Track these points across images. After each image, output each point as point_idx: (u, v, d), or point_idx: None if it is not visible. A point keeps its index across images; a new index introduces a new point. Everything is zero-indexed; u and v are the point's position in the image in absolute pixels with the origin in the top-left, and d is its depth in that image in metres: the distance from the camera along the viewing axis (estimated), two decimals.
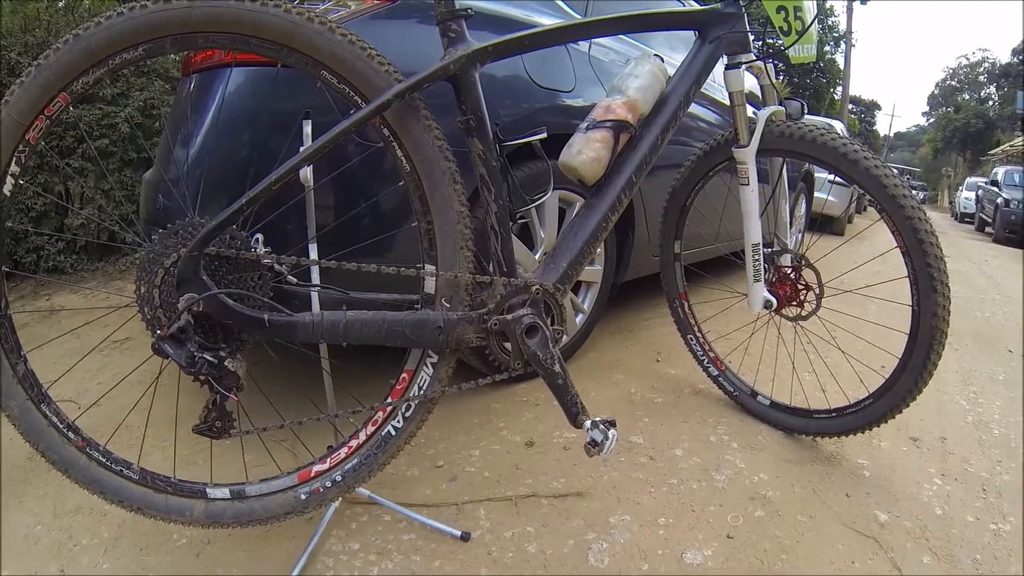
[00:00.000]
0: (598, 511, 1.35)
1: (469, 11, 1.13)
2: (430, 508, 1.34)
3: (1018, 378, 2.48)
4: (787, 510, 1.40)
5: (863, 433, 1.58)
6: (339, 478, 1.16)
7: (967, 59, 44.12)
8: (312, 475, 1.17)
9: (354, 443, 1.18)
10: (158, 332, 0.99)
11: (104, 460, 1.11)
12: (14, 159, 0.98)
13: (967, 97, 41.97)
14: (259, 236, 1.12)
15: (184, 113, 1.65)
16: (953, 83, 44.19)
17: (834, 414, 1.62)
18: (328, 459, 1.18)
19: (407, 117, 1.07)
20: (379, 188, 1.49)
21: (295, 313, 1.07)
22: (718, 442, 1.67)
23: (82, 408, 1.28)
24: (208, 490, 1.14)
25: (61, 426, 1.09)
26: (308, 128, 1.23)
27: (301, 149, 1.09)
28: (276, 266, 1.09)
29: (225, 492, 1.14)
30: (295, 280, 1.14)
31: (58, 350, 1.33)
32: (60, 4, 4.18)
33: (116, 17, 0.96)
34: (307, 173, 1.20)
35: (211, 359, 1.00)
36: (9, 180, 0.99)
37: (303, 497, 1.15)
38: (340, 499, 1.24)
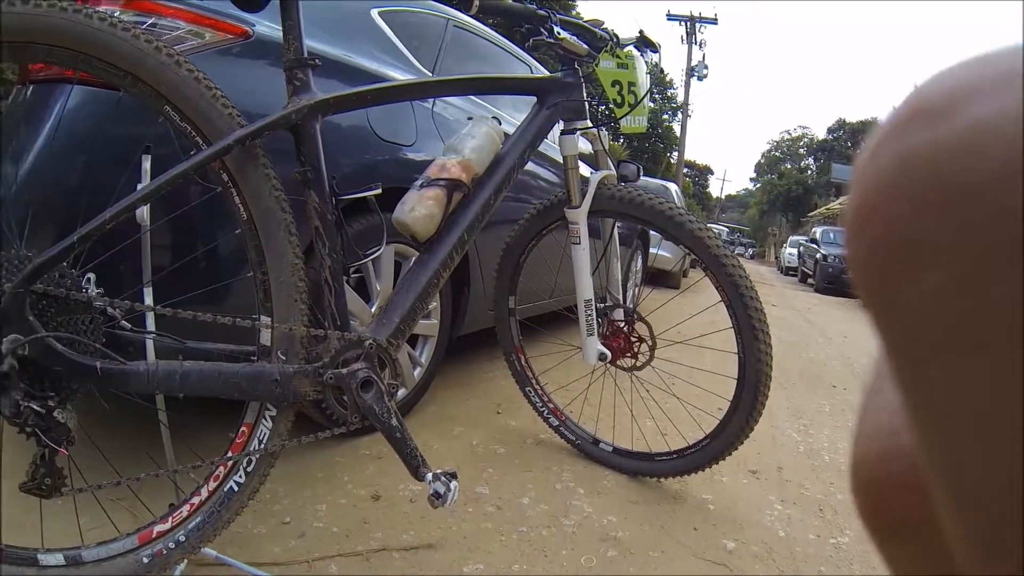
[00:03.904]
0: (451, 562, 1.35)
1: (316, 61, 1.16)
2: (280, 566, 1.29)
3: (841, 409, 2.85)
4: (638, 548, 1.46)
5: (704, 470, 1.71)
6: (183, 538, 1.09)
7: (789, 133, 49.48)
8: (154, 536, 1.09)
9: (196, 500, 1.13)
10: None
11: None
12: None
13: (789, 166, 47.00)
14: (91, 276, 1.05)
15: (15, 125, 1.52)
16: (777, 153, 49.34)
17: (675, 455, 1.73)
18: (170, 518, 1.11)
19: (246, 164, 1.06)
20: (218, 233, 1.45)
21: (129, 361, 1.02)
22: (564, 489, 1.72)
23: None
24: (39, 556, 1.03)
25: None
26: (147, 164, 1.18)
27: (139, 187, 1.05)
28: (109, 309, 1.03)
29: (59, 558, 1.04)
30: (129, 326, 1.09)
31: None
32: None
33: None
34: (144, 212, 1.15)
35: (38, 409, 0.93)
36: None
37: (145, 560, 1.07)
38: (185, 561, 1.15)
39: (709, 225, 1.65)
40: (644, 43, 1.76)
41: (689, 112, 25.78)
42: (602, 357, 1.72)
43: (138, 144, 1.20)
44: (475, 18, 1.63)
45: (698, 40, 24.89)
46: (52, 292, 0.96)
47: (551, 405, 1.98)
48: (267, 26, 1.53)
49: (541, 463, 1.87)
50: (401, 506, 1.55)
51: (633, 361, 1.78)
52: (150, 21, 1.40)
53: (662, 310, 2.14)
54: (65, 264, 0.97)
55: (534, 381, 1.99)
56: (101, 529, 1.23)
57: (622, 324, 1.77)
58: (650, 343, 1.74)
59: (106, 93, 1.37)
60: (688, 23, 24.75)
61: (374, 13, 2.05)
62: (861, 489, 0.17)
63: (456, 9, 2.42)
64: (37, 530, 1.12)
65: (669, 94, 27.78)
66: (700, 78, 24.40)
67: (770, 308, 1.64)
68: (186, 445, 1.41)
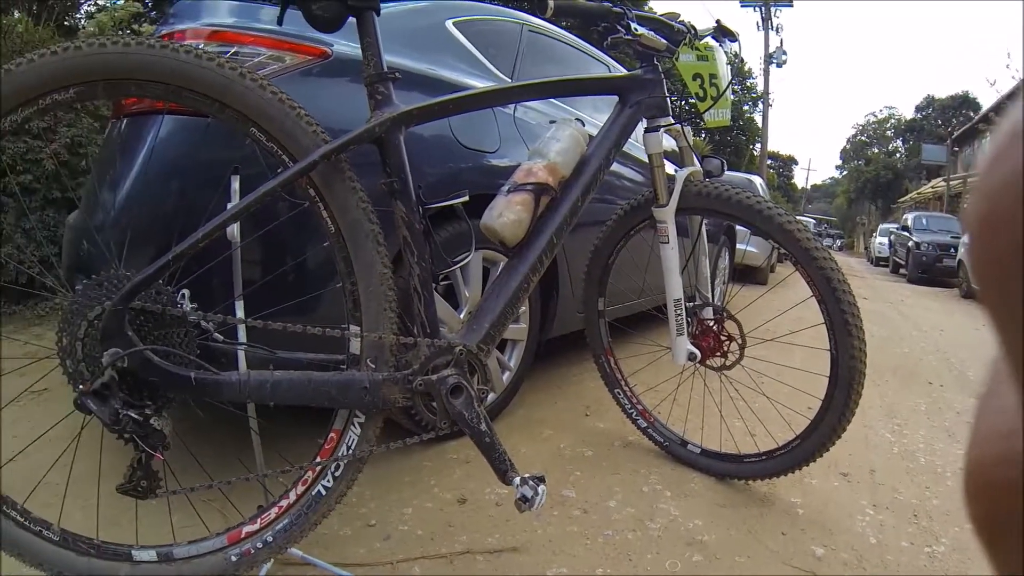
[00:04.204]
0: (535, 565, 1.35)
1: (396, 74, 1.17)
2: (364, 567, 1.31)
3: (938, 407, 2.65)
4: (724, 553, 1.42)
5: (794, 473, 1.65)
6: (270, 538, 1.14)
7: (875, 116, 46.81)
8: (242, 536, 1.14)
9: (284, 503, 1.16)
10: (80, 387, 0.97)
11: (22, 520, 1.05)
12: None
13: (876, 151, 44.51)
14: (186, 292, 1.10)
15: (113, 156, 1.62)
16: (863, 138, 46.80)
17: (764, 457, 1.68)
18: (259, 519, 1.15)
19: (332, 178, 1.09)
20: (306, 246, 1.49)
21: (221, 372, 1.06)
22: (651, 492, 1.70)
23: None
24: (134, 552, 1.09)
25: None
26: (236, 184, 1.23)
27: (228, 206, 1.09)
28: (202, 323, 1.08)
29: (152, 554, 1.10)
30: (221, 338, 1.13)
31: None
32: None
33: (49, 56, 0.95)
34: (234, 230, 1.20)
35: (136, 417, 0.98)
36: None
37: (233, 559, 1.12)
38: (272, 560, 1.20)
39: (797, 217, 1.58)
40: (722, 32, 1.70)
41: (770, 101, 24.78)
42: (692, 357, 1.68)
43: (227, 166, 1.25)
44: (550, 21, 1.61)
45: (774, 25, 23.86)
46: (149, 308, 1.02)
47: (640, 407, 1.95)
48: (345, 44, 1.56)
49: (628, 465, 1.85)
50: (487, 509, 1.56)
51: (723, 360, 1.73)
52: (233, 50, 1.47)
53: (751, 307, 2.06)
54: (161, 281, 1.03)
55: (623, 383, 1.97)
56: (192, 528, 1.29)
57: (711, 323, 1.72)
58: (740, 341, 1.69)
59: (195, 120, 1.44)
60: (763, 8, 23.81)
61: (449, 24, 2.07)
62: (976, 493, 0.16)
63: (530, 13, 2.42)
64: (132, 527, 1.18)
65: (749, 84, 26.87)
66: (779, 65, 23.39)
67: (861, 301, 1.55)
68: (275, 450, 1.46)
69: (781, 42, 26.09)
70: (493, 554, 1.38)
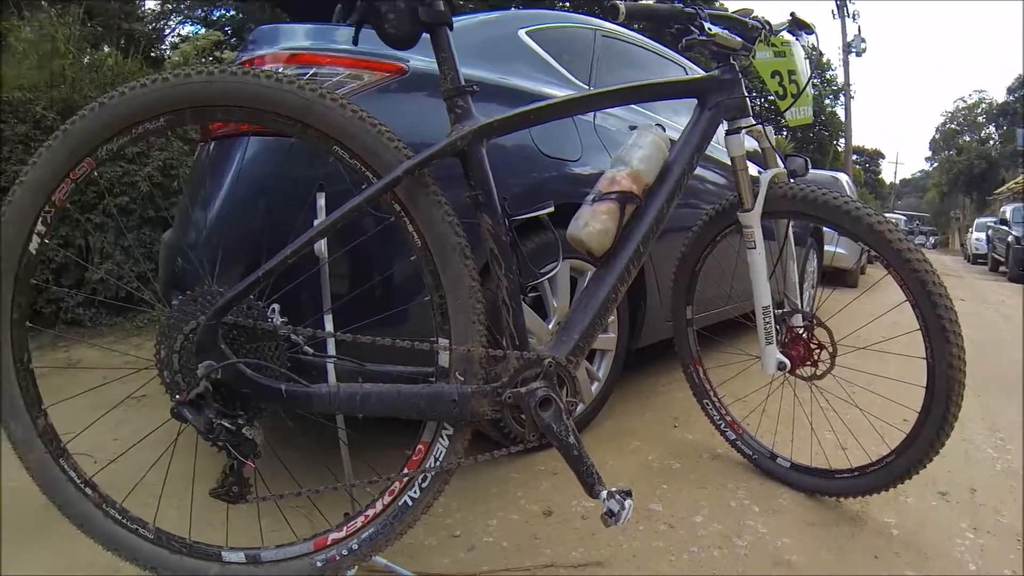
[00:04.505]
0: None
1: (474, 87, 1.17)
2: None
3: None
4: (813, 574, 1.36)
5: (888, 490, 1.55)
6: (355, 546, 1.16)
7: (964, 101, 44.12)
8: (328, 543, 1.16)
9: (371, 512, 1.18)
10: (177, 396, 1.02)
11: (120, 518, 1.12)
12: (40, 219, 1.03)
13: (968, 139, 42.04)
14: (276, 306, 1.13)
15: (202, 177, 1.70)
16: (953, 126, 44.34)
17: (856, 473, 1.59)
18: (345, 527, 1.18)
19: (417, 193, 1.10)
20: (393, 261, 1.52)
21: (312, 384, 1.09)
22: (739, 507, 1.64)
23: (99, 463, 1.29)
24: (223, 553, 1.14)
25: (78, 481, 1.11)
26: (322, 201, 1.26)
27: (315, 223, 1.12)
28: (293, 336, 1.11)
29: (240, 556, 1.14)
30: (311, 351, 1.16)
31: (75, 402, 1.35)
32: (85, 61, 4.35)
33: (139, 88, 1.01)
34: (322, 246, 1.23)
35: (229, 426, 1.02)
36: (35, 239, 1.03)
37: (319, 564, 1.14)
38: (356, 567, 1.22)
39: (887, 216, 1.49)
40: (798, 26, 1.63)
41: (852, 93, 23.76)
42: (781, 366, 1.61)
43: (312, 183, 1.29)
44: (623, 24, 1.59)
45: (850, 12, 22.75)
46: (241, 323, 1.06)
47: (728, 418, 1.90)
48: (420, 59, 1.59)
49: (716, 479, 1.80)
50: (573, 522, 1.54)
51: (813, 370, 1.65)
52: (312, 71, 1.51)
53: (841, 312, 1.97)
54: (252, 297, 1.06)
55: (712, 393, 1.93)
56: (280, 532, 1.33)
57: (801, 330, 1.66)
58: (831, 350, 1.62)
59: (279, 141, 1.50)
60: None
61: (522, 34, 2.08)
62: None
63: (602, 19, 2.40)
64: (223, 529, 1.23)
65: (828, 76, 25.86)
66: (858, 54, 22.27)
67: (958, 303, 1.45)
68: (363, 460, 1.48)
69: (859, 29, 24.75)
70: (577, 568, 1.37)
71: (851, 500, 1.66)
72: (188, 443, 1.17)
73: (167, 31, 12.90)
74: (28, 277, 1.05)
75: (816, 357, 1.64)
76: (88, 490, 1.11)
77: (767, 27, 1.57)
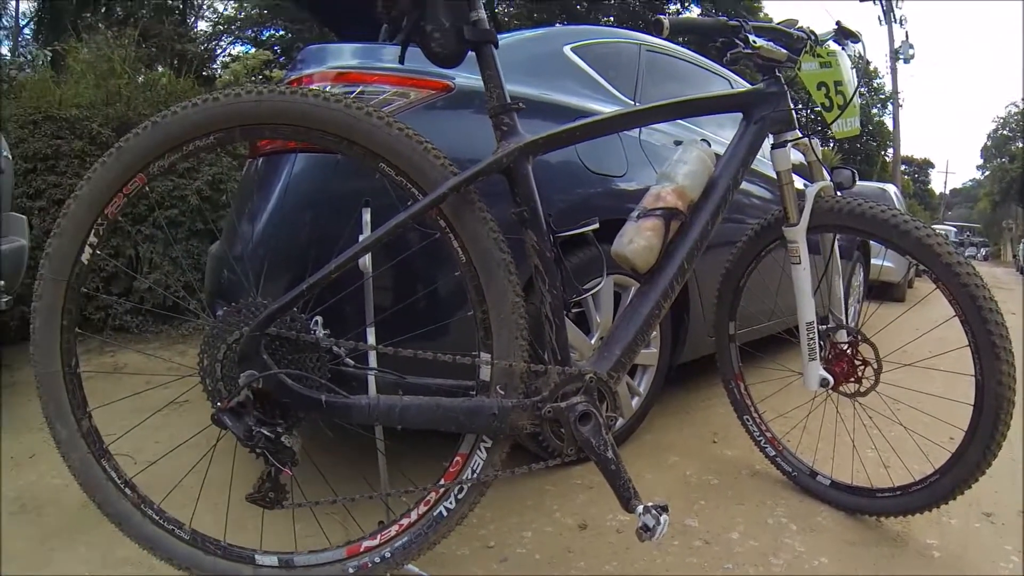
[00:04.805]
0: None
1: (520, 104, 1.19)
2: None
3: None
4: None
5: (931, 511, 1.50)
6: (388, 554, 1.17)
7: (1017, 106, 42.16)
8: (361, 550, 1.18)
9: (405, 521, 1.20)
10: (218, 404, 1.05)
11: (157, 518, 1.16)
12: (93, 231, 1.07)
13: (1021, 144, 40.51)
14: (318, 319, 1.16)
15: (250, 192, 1.74)
16: (1005, 132, 42.56)
17: (899, 492, 1.55)
18: (379, 535, 1.19)
19: (462, 209, 1.11)
20: (436, 276, 1.54)
21: (351, 395, 1.11)
22: (776, 524, 1.62)
23: (139, 465, 1.33)
24: (257, 556, 1.17)
25: (119, 481, 1.14)
26: (367, 216, 1.29)
27: (360, 238, 1.14)
28: (334, 349, 1.13)
29: (273, 560, 1.17)
30: (352, 363, 1.18)
31: (119, 406, 1.40)
32: (140, 80, 4.52)
33: (191, 108, 1.05)
34: (366, 261, 1.25)
35: (268, 434, 1.05)
36: (87, 250, 1.07)
37: (351, 571, 1.16)
38: (388, 575, 1.24)
39: (937, 229, 1.46)
40: (844, 35, 1.60)
41: (900, 101, 23.06)
42: (824, 383, 1.59)
43: (358, 199, 1.31)
44: (667, 39, 1.59)
45: (897, 17, 22.21)
46: (284, 334, 1.08)
47: (768, 434, 1.87)
48: (466, 77, 1.61)
49: (755, 496, 1.77)
50: (607, 536, 1.54)
51: (856, 386, 1.62)
52: (358, 90, 1.54)
53: (886, 329, 1.92)
54: (295, 309, 1.09)
55: (752, 409, 1.90)
56: (314, 538, 1.35)
57: (845, 346, 1.62)
58: (875, 366, 1.58)
59: (325, 157, 1.53)
60: (884, 0, 22.29)
61: (567, 50, 2.09)
62: None
63: (647, 33, 2.40)
64: (257, 533, 1.26)
65: (875, 84, 25.23)
66: (906, 60, 21.70)
67: (1009, 317, 1.41)
68: (399, 469, 1.50)
69: (906, 35, 23.89)
70: None
71: (892, 520, 1.62)
72: (227, 448, 1.20)
73: (218, 51, 13.34)
74: (79, 286, 1.09)
75: (860, 374, 1.61)
76: (127, 490, 1.15)
77: (812, 37, 1.55)
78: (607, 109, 1.83)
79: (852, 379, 1.62)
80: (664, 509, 1.12)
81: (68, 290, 1.08)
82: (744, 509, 1.69)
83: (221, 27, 13.47)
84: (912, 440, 1.76)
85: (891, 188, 7.43)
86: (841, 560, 1.46)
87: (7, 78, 5.24)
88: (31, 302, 1.08)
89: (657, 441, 2.20)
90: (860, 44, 1.64)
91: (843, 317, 1.67)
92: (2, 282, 2.22)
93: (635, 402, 2.13)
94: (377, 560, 1.17)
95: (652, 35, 2.42)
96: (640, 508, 1.12)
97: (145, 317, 3.55)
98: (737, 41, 1.49)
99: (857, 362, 1.61)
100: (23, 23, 14.22)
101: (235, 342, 1.06)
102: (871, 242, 4.55)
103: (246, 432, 1.04)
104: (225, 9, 13.40)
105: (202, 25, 13.76)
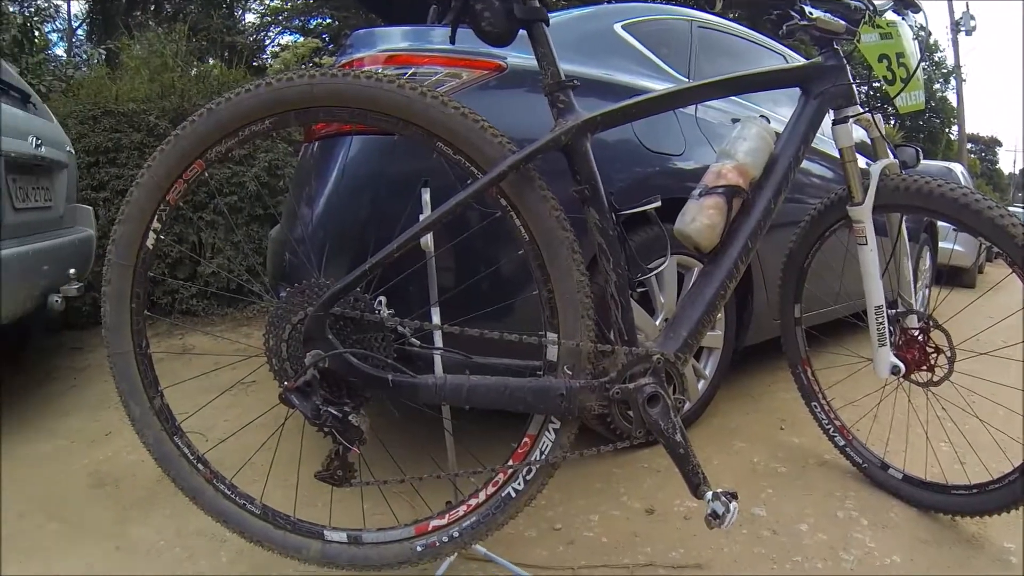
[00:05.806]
0: None
1: (575, 81, 1.17)
2: (545, 570, 1.33)
3: None
4: None
5: (1009, 512, 1.41)
6: (456, 534, 1.18)
7: None
8: (430, 529, 1.20)
9: (473, 502, 1.20)
10: (285, 383, 1.06)
11: (229, 493, 1.20)
12: (156, 217, 1.10)
13: None
14: (382, 299, 1.17)
15: (307, 176, 1.76)
16: None
17: (975, 490, 1.47)
18: (447, 515, 1.20)
19: (523, 187, 1.10)
20: (500, 255, 1.54)
21: (418, 375, 1.12)
22: (846, 518, 1.57)
23: (210, 442, 1.37)
24: (326, 532, 1.20)
25: (191, 457, 1.19)
26: (427, 196, 1.29)
27: (421, 217, 1.14)
28: (399, 328, 1.15)
29: (342, 536, 1.19)
30: (418, 343, 1.19)
31: (189, 386, 1.44)
32: (193, 73, 4.65)
33: (244, 93, 1.06)
34: (428, 240, 1.25)
35: (335, 413, 1.06)
36: (151, 235, 1.10)
37: (419, 549, 1.18)
38: (455, 554, 1.25)
39: (1010, 210, 1.38)
40: (903, 4, 1.52)
41: (963, 76, 21.92)
42: (895, 370, 1.52)
43: (416, 179, 1.31)
44: (719, 14, 1.55)
45: None
46: (348, 314, 1.09)
47: (837, 423, 1.81)
48: (518, 56, 1.60)
49: (823, 486, 1.73)
50: (674, 522, 1.52)
51: (929, 375, 1.55)
52: (410, 71, 1.55)
53: (958, 316, 1.84)
54: (359, 289, 1.10)
55: (820, 396, 1.84)
56: (381, 516, 1.39)
57: (916, 333, 1.56)
58: (949, 354, 1.51)
59: (381, 139, 1.54)
60: None
61: (618, 27, 2.07)
62: None
63: (699, 9, 2.35)
64: (326, 510, 1.29)
65: (937, 59, 24.12)
66: (968, 32, 20.60)
67: None
68: (468, 450, 1.52)
69: (967, 6, 22.85)
70: (676, 569, 1.35)
71: (969, 519, 1.53)
72: (295, 426, 1.23)
73: (267, 41, 13.58)
74: (145, 270, 1.13)
75: (933, 362, 1.54)
76: (200, 466, 1.19)
77: (871, 7, 1.47)
78: (661, 87, 1.81)
79: (924, 367, 1.56)
80: (733, 496, 1.10)
81: (135, 274, 1.11)
82: (812, 500, 1.65)
83: (268, 18, 13.68)
84: (989, 435, 1.68)
85: (957, 167, 7.12)
86: (914, 559, 1.41)
87: (65, 77, 5.42)
88: (101, 287, 1.12)
89: (723, 425, 2.17)
90: (921, 13, 1.56)
91: (913, 301, 1.61)
92: (73, 270, 2.31)
93: (701, 385, 2.11)
94: (445, 539, 1.18)
95: (704, 11, 2.38)
96: (709, 495, 1.11)
97: (211, 300, 3.68)
98: (793, 13, 1.43)
99: (929, 349, 1.55)
100: (76, 24, 14.72)
101: (299, 322, 1.07)
102: (939, 224, 4.38)
103: (314, 411, 1.05)
104: (272, 0, 13.58)
105: (250, 17, 14.02)
